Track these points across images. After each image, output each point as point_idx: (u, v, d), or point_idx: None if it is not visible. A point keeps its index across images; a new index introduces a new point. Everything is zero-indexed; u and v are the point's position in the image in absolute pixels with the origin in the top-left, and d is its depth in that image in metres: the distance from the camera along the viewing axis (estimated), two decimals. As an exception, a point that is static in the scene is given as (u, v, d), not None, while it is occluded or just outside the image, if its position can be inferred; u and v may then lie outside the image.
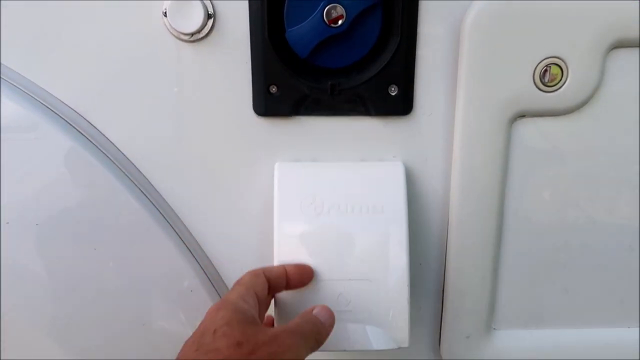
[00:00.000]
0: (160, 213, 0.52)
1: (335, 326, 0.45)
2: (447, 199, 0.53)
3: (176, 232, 0.53)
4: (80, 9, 0.48)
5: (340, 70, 0.49)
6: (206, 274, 0.53)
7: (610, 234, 0.54)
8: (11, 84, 0.48)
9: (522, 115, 0.49)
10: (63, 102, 0.50)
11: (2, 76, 0.49)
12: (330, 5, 0.46)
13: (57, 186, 0.50)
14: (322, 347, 0.43)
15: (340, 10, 0.46)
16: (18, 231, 0.50)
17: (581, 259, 0.55)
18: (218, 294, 0.54)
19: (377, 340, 0.50)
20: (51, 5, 0.48)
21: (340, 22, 0.47)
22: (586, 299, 0.56)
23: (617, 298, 0.56)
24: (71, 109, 0.50)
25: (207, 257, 0.54)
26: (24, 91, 0.49)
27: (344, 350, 0.49)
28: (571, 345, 0.57)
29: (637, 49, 0.48)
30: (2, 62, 0.49)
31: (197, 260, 0.53)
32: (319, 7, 0.46)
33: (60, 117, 0.49)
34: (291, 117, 0.50)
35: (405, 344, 0.50)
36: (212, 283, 0.53)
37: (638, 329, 0.57)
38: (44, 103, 0.49)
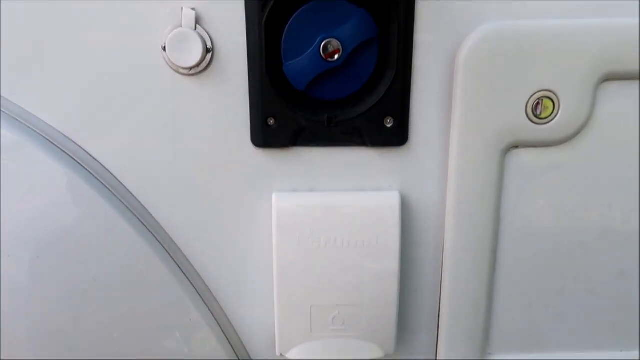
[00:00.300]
0: (159, 242, 0.53)
1: (330, 341, 0.54)
2: (442, 227, 0.54)
3: (175, 262, 0.53)
4: (80, 43, 0.48)
5: (336, 102, 0.50)
6: (205, 304, 0.54)
7: (602, 260, 0.55)
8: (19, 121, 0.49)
9: (515, 146, 0.51)
10: (63, 134, 0.50)
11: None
12: (327, 40, 0.47)
13: (56, 216, 0.50)
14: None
15: (336, 44, 0.47)
16: (15, 261, 0.50)
17: (574, 285, 0.55)
18: (218, 323, 0.54)
19: (367, 351, 0.55)
20: (54, 35, 0.48)
21: (336, 56, 0.47)
22: (580, 323, 0.57)
23: (609, 322, 0.57)
24: (70, 139, 0.51)
25: (207, 287, 0.55)
26: (22, 122, 0.49)
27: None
28: (565, 369, 0.58)
29: (627, 81, 0.49)
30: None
31: (196, 290, 0.53)
32: (316, 42, 0.47)
33: (57, 147, 0.50)
34: (289, 147, 0.51)
35: (391, 351, 0.56)
36: (211, 313, 0.54)
37: (631, 352, 0.58)
38: (41, 134, 0.50)
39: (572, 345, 0.58)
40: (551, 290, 0.55)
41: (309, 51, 0.47)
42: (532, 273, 0.55)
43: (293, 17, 0.47)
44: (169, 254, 0.53)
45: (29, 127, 0.50)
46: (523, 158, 0.51)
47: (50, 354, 0.51)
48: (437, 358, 0.58)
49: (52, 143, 0.50)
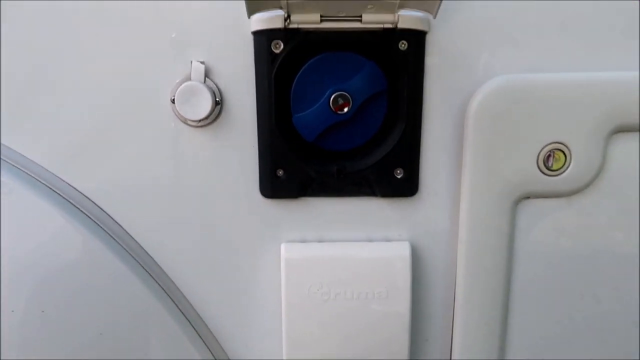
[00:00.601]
0: (165, 292, 0.52)
1: None
2: (453, 277, 0.53)
3: (181, 312, 0.52)
4: (90, 96, 0.48)
5: (345, 153, 0.50)
6: (213, 355, 0.53)
7: (614, 311, 0.54)
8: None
9: (527, 197, 0.50)
10: (74, 188, 0.50)
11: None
12: (336, 93, 0.47)
13: (65, 271, 0.49)
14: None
15: (346, 97, 0.47)
16: (22, 314, 0.49)
17: (587, 335, 0.54)
18: (224, 376, 0.53)
19: None
20: (64, 86, 0.48)
21: (346, 109, 0.47)
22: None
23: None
24: (79, 192, 0.50)
25: (215, 337, 0.54)
26: (26, 172, 0.49)
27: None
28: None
29: (637, 133, 0.49)
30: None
31: (203, 342, 0.52)
32: (326, 95, 0.47)
33: (71, 202, 0.49)
34: (297, 198, 0.51)
35: None
36: (217, 365, 0.53)
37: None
38: (57, 191, 0.50)
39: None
40: (563, 341, 0.54)
41: (318, 104, 0.47)
42: (544, 326, 0.54)
43: (302, 69, 0.47)
44: (175, 304, 0.52)
45: (31, 175, 0.50)
46: (534, 208, 0.50)
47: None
48: (449, 410, 0.56)
49: (68, 201, 0.49)
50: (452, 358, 0.54)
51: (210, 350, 0.52)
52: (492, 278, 0.51)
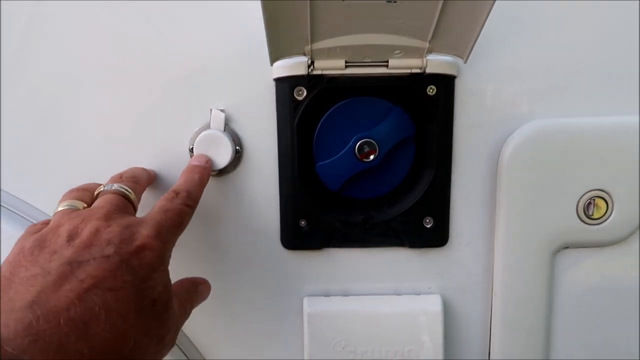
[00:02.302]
0: (179, 348, 0.49)
1: None
2: (487, 333, 0.49)
3: (197, 370, 0.49)
4: (108, 144, 0.47)
5: (371, 201, 0.48)
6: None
7: (664, 366, 0.50)
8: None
9: (565, 247, 0.47)
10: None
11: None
12: (362, 141, 0.45)
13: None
14: None
15: (372, 145, 0.45)
16: None
17: (635, 394, 0.50)
18: None
19: None
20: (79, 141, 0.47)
21: (372, 156, 0.45)
22: None
23: None
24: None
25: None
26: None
27: None
28: None
29: (684, 178, 0.46)
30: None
31: (220, 405, 0.49)
32: (351, 142, 0.45)
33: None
34: (321, 249, 0.48)
35: None
36: None
37: None
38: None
39: None
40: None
41: (343, 151, 0.45)
42: (588, 382, 0.50)
43: (326, 116, 0.45)
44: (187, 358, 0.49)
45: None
46: (574, 259, 0.47)
47: None
48: None
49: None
50: (488, 419, 0.51)
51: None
52: (529, 333, 0.48)
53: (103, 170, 0.46)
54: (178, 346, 0.49)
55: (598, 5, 0.45)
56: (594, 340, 0.49)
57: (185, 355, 0.49)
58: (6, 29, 0.46)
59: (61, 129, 0.47)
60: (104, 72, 0.46)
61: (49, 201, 0.48)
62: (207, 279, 0.48)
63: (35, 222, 0.47)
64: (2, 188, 0.48)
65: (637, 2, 0.45)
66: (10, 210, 0.48)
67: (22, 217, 0.48)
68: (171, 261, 0.49)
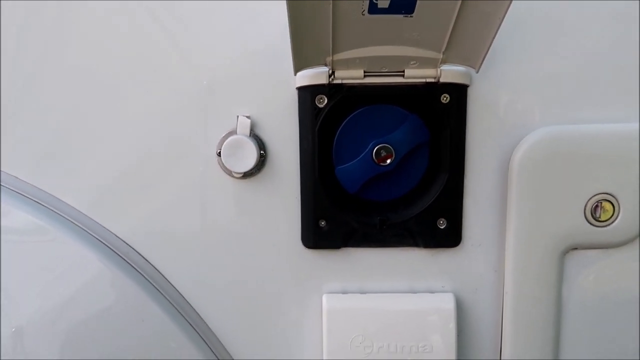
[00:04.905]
0: (205, 342, 0.52)
1: None
2: (499, 330, 0.51)
3: (221, 363, 0.52)
4: (140, 147, 0.50)
5: (387, 203, 0.50)
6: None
7: (672, 366, 0.51)
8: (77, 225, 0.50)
9: (574, 248, 0.49)
10: (118, 237, 0.51)
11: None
12: (379, 146, 0.47)
13: (103, 317, 0.50)
14: None
15: (389, 149, 0.47)
16: (42, 339, 0.49)
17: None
18: None
19: None
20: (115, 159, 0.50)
21: (389, 160, 0.48)
22: None
23: None
24: (122, 240, 0.51)
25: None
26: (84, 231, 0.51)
27: None
28: None
29: (688, 182, 0.48)
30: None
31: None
32: (369, 147, 0.47)
33: (115, 252, 0.51)
34: (339, 249, 0.51)
35: None
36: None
37: None
38: (109, 245, 0.51)
39: None
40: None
41: (361, 156, 0.48)
42: (597, 380, 0.52)
43: (345, 122, 0.48)
44: (214, 354, 0.51)
45: (75, 223, 0.51)
46: (583, 259, 0.49)
47: None
48: None
49: (117, 254, 0.51)
50: (500, 416, 0.52)
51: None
52: (539, 331, 0.50)
53: (141, 173, 0.49)
54: (208, 345, 0.52)
55: (605, 17, 0.47)
56: (602, 339, 0.51)
57: (215, 355, 0.52)
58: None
59: (107, 133, 0.50)
60: (141, 79, 0.49)
61: (95, 202, 0.51)
62: (230, 276, 0.51)
63: (77, 222, 0.51)
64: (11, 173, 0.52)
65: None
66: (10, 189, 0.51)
67: (60, 214, 0.51)
68: (199, 260, 0.52)
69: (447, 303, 0.50)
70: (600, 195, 0.47)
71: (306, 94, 0.47)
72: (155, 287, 0.51)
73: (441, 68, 0.45)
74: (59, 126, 0.50)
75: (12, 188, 0.51)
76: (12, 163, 0.51)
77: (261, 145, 0.49)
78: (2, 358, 0.49)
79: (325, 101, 0.47)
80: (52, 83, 0.50)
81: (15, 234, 0.50)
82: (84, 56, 0.49)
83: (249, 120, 0.48)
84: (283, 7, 0.37)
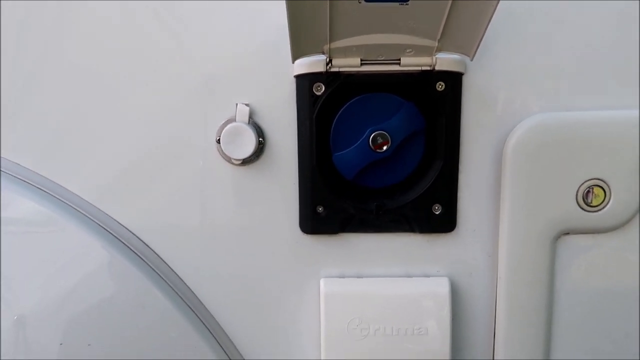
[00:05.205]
0: (205, 326, 0.53)
1: None
2: (493, 313, 0.53)
3: (220, 346, 0.53)
4: (141, 135, 0.51)
5: (384, 190, 0.51)
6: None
7: (661, 348, 0.53)
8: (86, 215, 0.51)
9: (566, 233, 0.50)
10: (120, 224, 0.52)
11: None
12: (376, 133, 0.48)
13: (109, 303, 0.51)
14: None
15: (385, 136, 0.48)
16: (47, 328, 0.50)
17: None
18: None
19: None
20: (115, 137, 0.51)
21: (385, 147, 0.48)
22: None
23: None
24: (124, 226, 0.52)
25: (253, 373, 0.54)
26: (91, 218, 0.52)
27: None
28: None
29: (678, 169, 0.49)
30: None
31: (242, 378, 0.53)
32: (365, 134, 0.48)
33: (117, 238, 0.52)
34: (337, 234, 0.52)
35: None
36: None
37: None
38: (112, 232, 0.52)
39: None
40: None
41: (358, 143, 0.49)
42: (588, 362, 0.53)
43: (342, 110, 0.49)
44: (214, 338, 0.53)
45: (96, 222, 0.52)
46: (574, 244, 0.50)
47: None
48: None
49: (121, 241, 0.52)
50: (493, 396, 0.54)
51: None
52: (532, 314, 0.51)
53: (148, 164, 0.51)
54: (208, 329, 0.53)
55: (600, 7, 0.48)
56: (593, 320, 0.52)
57: (215, 339, 0.53)
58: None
59: (105, 122, 0.51)
60: (142, 69, 0.50)
61: (94, 189, 0.52)
62: (230, 261, 0.52)
63: (79, 209, 0.52)
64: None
65: (637, 2, 0.48)
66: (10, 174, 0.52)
67: (66, 203, 0.52)
68: (200, 244, 0.53)
69: (442, 287, 0.51)
70: (591, 181, 0.48)
71: (304, 82, 0.48)
72: (157, 273, 0.52)
73: (436, 56, 0.46)
74: (63, 116, 0.51)
75: (15, 175, 0.52)
76: (17, 150, 0.52)
77: (260, 132, 0.50)
78: (5, 346, 0.50)
79: (323, 89, 0.48)
80: (54, 77, 0.51)
81: (21, 223, 0.52)
82: (86, 51, 0.50)
83: (247, 108, 0.49)
84: (281, -5, 0.37)
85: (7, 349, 0.50)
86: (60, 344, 0.49)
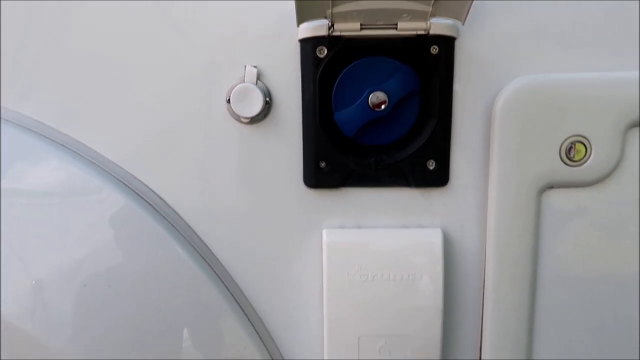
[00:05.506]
0: (217, 275, 0.57)
1: None
2: (482, 263, 0.57)
3: (231, 293, 0.57)
4: (157, 97, 0.55)
5: (382, 147, 0.55)
6: (258, 334, 0.58)
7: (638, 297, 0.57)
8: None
9: (550, 187, 0.54)
10: (142, 182, 0.57)
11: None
12: (374, 93, 0.52)
13: (127, 253, 0.56)
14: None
15: (383, 96, 0.52)
16: (87, 290, 0.55)
17: (613, 321, 0.57)
18: (269, 352, 0.58)
19: None
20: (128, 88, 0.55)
21: (383, 106, 0.52)
22: (622, 357, 0.59)
23: (649, 357, 0.59)
24: (142, 182, 0.57)
25: (259, 318, 0.59)
26: (102, 168, 0.56)
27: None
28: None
29: (654, 127, 0.53)
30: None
31: (249, 321, 0.57)
32: (364, 94, 0.52)
33: (141, 196, 0.56)
34: (338, 188, 0.56)
35: None
36: (263, 342, 0.58)
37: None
38: (116, 176, 0.56)
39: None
40: (590, 327, 0.57)
41: (357, 102, 0.53)
42: (571, 308, 0.57)
43: (344, 72, 0.53)
44: (226, 287, 0.57)
45: (105, 170, 0.56)
46: (558, 198, 0.55)
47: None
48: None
49: (124, 184, 0.56)
50: (483, 340, 0.58)
51: (254, 328, 0.58)
52: (519, 263, 0.55)
53: (164, 122, 0.54)
54: (217, 275, 0.57)
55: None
56: (575, 267, 0.56)
57: (223, 283, 0.58)
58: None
59: (129, 92, 0.55)
60: (159, 41, 0.54)
61: (124, 154, 0.57)
62: (239, 213, 0.57)
63: (109, 171, 0.56)
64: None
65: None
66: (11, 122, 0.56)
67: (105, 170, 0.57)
68: (211, 193, 0.57)
69: (435, 237, 0.55)
70: (573, 137, 0.52)
71: (308, 45, 0.52)
72: (170, 222, 0.56)
73: (430, 21, 0.50)
74: (84, 76, 0.55)
75: (42, 133, 0.56)
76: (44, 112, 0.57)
77: (267, 93, 0.54)
78: (26, 310, 0.55)
79: (325, 52, 0.52)
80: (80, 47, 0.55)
81: (54, 186, 0.56)
82: (109, 16, 0.54)
83: (255, 70, 0.53)
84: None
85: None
86: (84, 286, 0.54)
